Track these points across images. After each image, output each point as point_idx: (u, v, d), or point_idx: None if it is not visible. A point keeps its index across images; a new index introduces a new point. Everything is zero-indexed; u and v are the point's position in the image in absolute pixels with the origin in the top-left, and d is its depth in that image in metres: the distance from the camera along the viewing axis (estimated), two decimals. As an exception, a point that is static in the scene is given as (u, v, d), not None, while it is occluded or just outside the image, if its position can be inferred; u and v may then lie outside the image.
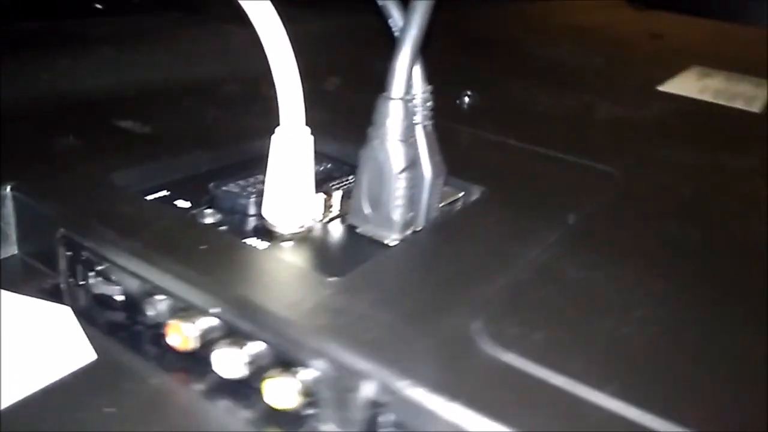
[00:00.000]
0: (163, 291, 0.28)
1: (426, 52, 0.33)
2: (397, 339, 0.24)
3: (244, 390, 0.26)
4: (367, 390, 0.22)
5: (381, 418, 0.22)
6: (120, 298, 0.30)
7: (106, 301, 0.30)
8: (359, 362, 0.23)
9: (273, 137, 0.32)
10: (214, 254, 0.28)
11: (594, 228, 0.36)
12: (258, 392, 0.25)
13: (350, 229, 0.35)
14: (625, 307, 0.28)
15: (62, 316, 0.29)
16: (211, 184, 0.36)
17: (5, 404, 0.24)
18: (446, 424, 0.21)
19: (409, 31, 0.31)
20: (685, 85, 0.76)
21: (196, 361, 0.27)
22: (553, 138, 0.50)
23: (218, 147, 0.42)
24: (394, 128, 0.32)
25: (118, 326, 0.29)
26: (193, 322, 0.27)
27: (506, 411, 0.21)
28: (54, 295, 0.31)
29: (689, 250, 0.35)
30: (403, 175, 0.32)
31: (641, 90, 0.73)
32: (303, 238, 0.33)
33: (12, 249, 0.33)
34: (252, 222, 0.35)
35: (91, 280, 0.31)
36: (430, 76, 0.33)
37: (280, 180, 0.32)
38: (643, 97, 0.70)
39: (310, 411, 0.24)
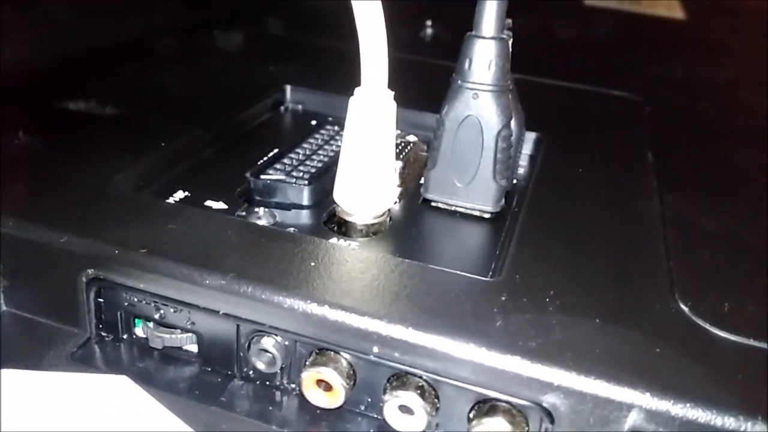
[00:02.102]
0: (279, 331, 0.20)
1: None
2: (626, 352, 0.19)
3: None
4: (631, 420, 0.18)
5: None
6: (192, 348, 0.22)
7: (170, 355, 0.23)
8: (614, 391, 0.18)
9: (351, 101, 0.25)
10: (331, 270, 0.21)
11: (683, 171, 0.33)
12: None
13: (426, 203, 0.29)
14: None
15: (125, 391, 0.21)
16: (248, 175, 0.28)
17: None
18: None
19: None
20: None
21: (345, 414, 0.21)
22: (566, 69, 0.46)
23: (214, 121, 0.33)
24: (495, 75, 0.26)
25: (208, 387, 0.22)
26: (337, 368, 0.20)
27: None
28: (85, 361, 0.22)
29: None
30: (504, 132, 0.27)
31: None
32: (392, 228, 0.27)
33: (-5, 304, 0.24)
34: (309, 214, 0.28)
35: (138, 330, 0.23)
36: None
37: (358, 159, 0.25)
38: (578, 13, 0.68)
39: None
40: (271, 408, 0.21)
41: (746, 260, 0.25)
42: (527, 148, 0.34)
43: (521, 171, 0.33)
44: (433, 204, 0.29)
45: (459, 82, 0.26)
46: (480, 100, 0.26)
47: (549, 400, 0.18)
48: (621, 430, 0.18)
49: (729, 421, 0.17)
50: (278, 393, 0.21)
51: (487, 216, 0.28)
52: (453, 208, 0.28)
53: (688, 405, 0.17)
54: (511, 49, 0.26)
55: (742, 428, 0.17)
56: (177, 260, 0.21)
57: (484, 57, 0.26)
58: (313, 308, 0.20)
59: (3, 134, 0.28)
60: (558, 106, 0.40)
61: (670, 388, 0.18)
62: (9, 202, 0.23)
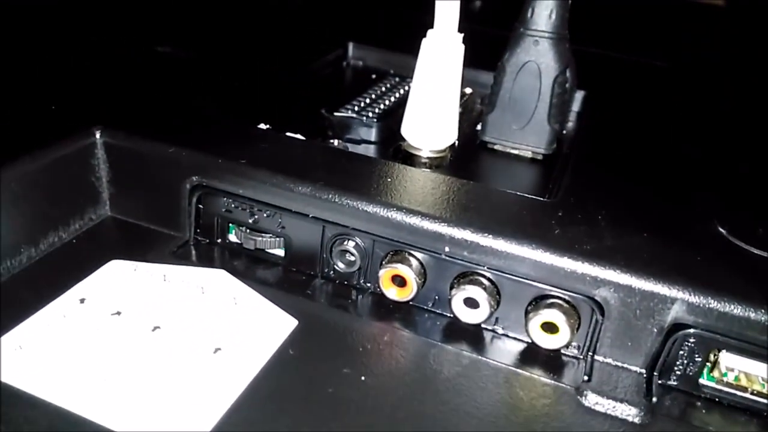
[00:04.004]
0: (360, 234, 0.23)
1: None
2: (673, 255, 0.21)
3: (488, 333, 0.23)
4: (674, 311, 0.20)
5: (683, 340, 0.20)
6: (279, 251, 0.25)
7: (258, 257, 0.26)
8: (661, 286, 0.20)
9: (423, 42, 0.27)
10: (408, 186, 0.24)
11: (713, 117, 0.35)
12: (500, 334, 0.22)
13: (483, 146, 0.31)
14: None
15: (224, 283, 0.24)
16: (324, 111, 0.31)
17: (232, 397, 0.19)
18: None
19: None
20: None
21: (414, 310, 0.24)
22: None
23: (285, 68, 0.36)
24: (555, 23, 0.28)
25: (293, 283, 0.24)
26: (410, 265, 0.23)
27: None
28: (184, 259, 0.25)
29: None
30: (560, 78, 0.29)
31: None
32: (450, 161, 0.30)
33: (103, 210, 0.27)
34: (376, 149, 0.31)
35: (232, 236, 0.26)
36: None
37: (427, 96, 0.28)
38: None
39: (576, 344, 0.22)
40: (349, 301, 0.24)
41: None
42: (575, 106, 0.37)
43: (570, 125, 0.35)
44: (489, 146, 0.31)
45: (521, 29, 0.29)
46: (540, 46, 0.29)
47: (601, 294, 0.21)
48: (664, 321, 0.20)
49: (759, 315, 0.20)
50: (355, 291, 0.24)
51: (539, 158, 0.31)
52: (508, 150, 0.31)
53: (724, 300, 0.20)
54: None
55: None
56: (272, 170, 0.24)
57: (545, 6, 0.28)
58: (392, 212, 0.23)
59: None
60: (608, 75, 0.42)
61: (709, 285, 0.20)
62: (117, 116, 0.27)
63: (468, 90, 0.35)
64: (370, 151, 0.30)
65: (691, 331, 0.20)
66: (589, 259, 0.21)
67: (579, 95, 0.37)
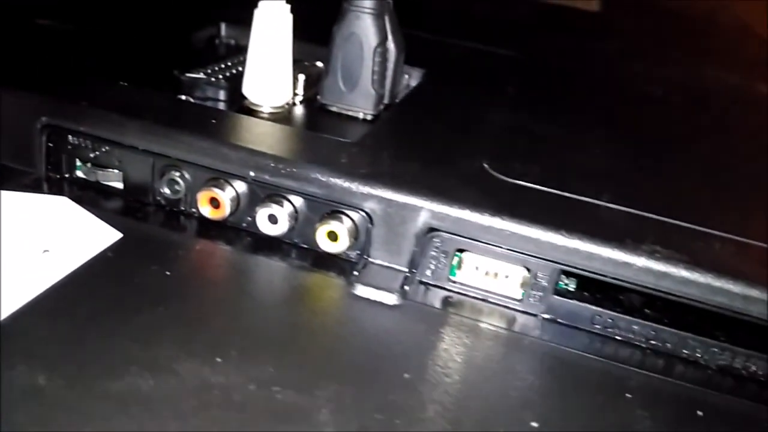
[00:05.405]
0: (182, 164, 0.28)
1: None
2: (433, 179, 0.27)
3: (285, 245, 0.27)
4: (423, 218, 0.25)
5: (431, 242, 0.26)
6: (119, 184, 0.29)
7: (102, 189, 0.29)
8: (412, 198, 0.25)
9: (255, 12, 0.32)
10: (227, 126, 0.29)
11: (528, 96, 0.41)
12: (297, 245, 0.27)
13: (323, 109, 0.36)
14: (584, 145, 0.34)
15: (65, 206, 0.28)
16: (176, 72, 0.35)
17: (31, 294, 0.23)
18: (497, 233, 0.25)
19: None
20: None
21: (228, 228, 0.28)
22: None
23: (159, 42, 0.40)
24: (373, 1, 0.33)
25: (128, 209, 0.29)
26: (224, 190, 0.27)
27: (542, 216, 0.25)
28: (37, 188, 0.29)
29: (594, 103, 0.42)
30: (379, 49, 0.34)
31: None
32: (286, 117, 0.34)
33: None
34: (224, 105, 0.35)
35: (79, 172, 0.29)
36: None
37: (263, 57, 0.32)
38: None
39: (355, 251, 0.27)
40: (174, 222, 0.28)
41: (545, 150, 0.33)
42: (414, 80, 0.42)
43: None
44: (326, 108, 0.36)
45: (345, 4, 0.34)
46: (361, 20, 0.34)
47: (369, 206, 0.26)
48: (417, 227, 0.26)
49: (493, 220, 0.25)
50: (181, 216, 0.29)
51: (369, 118, 0.36)
52: (343, 111, 0.36)
53: (462, 207, 0.25)
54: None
55: (499, 225, 0.25)
56: (108, 109, 0.28)
57: (363, -14, 0.33)
58: (207, 144, 0.27)
59: None
60: (454, 59, 0.48)
61: (451, 197, 0.25)
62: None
63: (320, 64, 0.40)
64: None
65: (437, 233, 0.25)
66: (361, 179, 0.26)
67: (419, 72, 0.42)
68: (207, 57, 0.42)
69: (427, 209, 0.25)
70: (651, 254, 0.23)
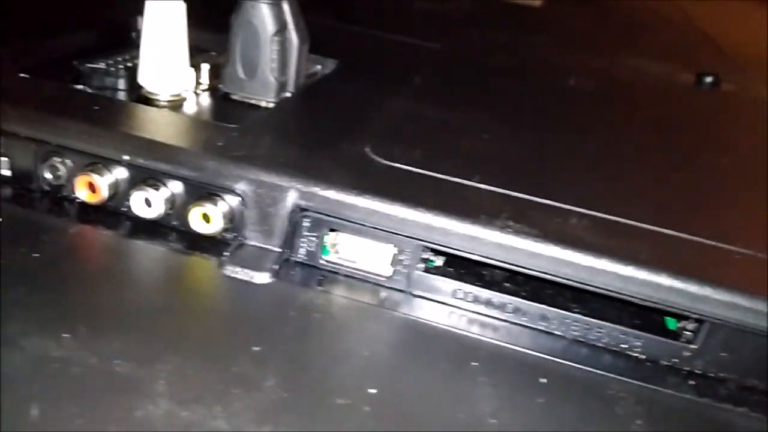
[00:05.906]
0: (63, 150, 0.28)
1: None
2: (307, 161, 0.27)
3: (163, 228, 0.28)
4: (291, 198, 0.26)
5: (302, 222, 0.26)
6: (7, 172, 0.29)
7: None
8: (280, 179, 0.26)
9: (147, 3, 0.32)
10: (110, 113, 0.29)
11: (435, 86, 0.42)
12: (177, 228, 0.27)
13: (226, 97, 0.37)
14: (476, 131, 0.34)
15: (-55, 192, 0.28)
16: (76, 63, 0.35)
17: None
18: (361, 211, 0.25)
19: None
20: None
21: (108, 213, 0.28)
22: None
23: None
24: (265, -9, 0.34)
25: (15, 196, 0.29)
26: (102, 175, 0.28)
27: (406, 195, 0.26)
28: None
29: (504, 93, 0.43)
30: (276, 37, 0.35)
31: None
32: (181, 105, 0.35)
33: None
34: (123, 96, 0.35)
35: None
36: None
37: (156, 46, 0.33)
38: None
39: (233, 233, 0.27)
40: (56, 207, 0.28)
41: (431, 136, 0.34)
42: (329, 70, 0.43)
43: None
44: (229, 97, 0.37)
45: (240, -5, 0.35)
46: (257, 9, 0.34)
47: (240, 187, 0.26)
48: (287, 207, 0.26)
49: (356, 199, 0.25)
50: (65, 202, 0.29)
51: (271, 106, 0.36)
52: (243, 99, 0.36)
53: (327, 188, 0.26)
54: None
55: (363, 204, 0.25)
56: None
57: (256, -24, 0.34)
58: (83, 128, 0.27)
59: None
60: (372, 51, 0.49)
61: (318, 178, 0.26)
62: None
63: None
64: (117, 97, 0.35)
65: (307, 213, 0.26)
66: (233, 161, 0.26)
67: (333, 63, 0.43)
68: (116, 48, 0.43)
69: (295, 189, 0.26)
70: (503, 228, 0.24)
